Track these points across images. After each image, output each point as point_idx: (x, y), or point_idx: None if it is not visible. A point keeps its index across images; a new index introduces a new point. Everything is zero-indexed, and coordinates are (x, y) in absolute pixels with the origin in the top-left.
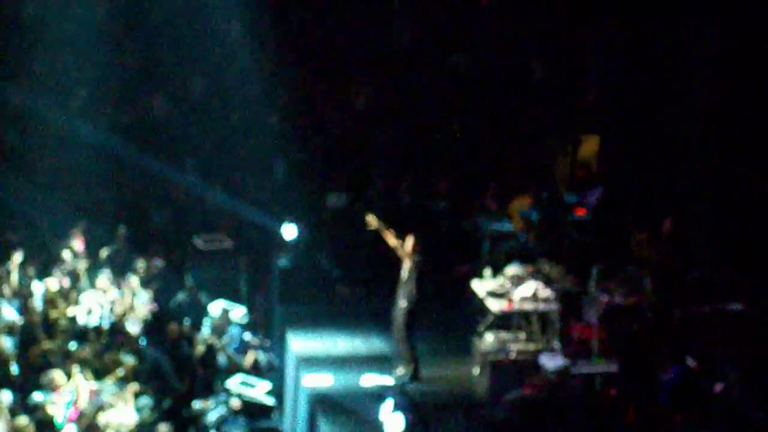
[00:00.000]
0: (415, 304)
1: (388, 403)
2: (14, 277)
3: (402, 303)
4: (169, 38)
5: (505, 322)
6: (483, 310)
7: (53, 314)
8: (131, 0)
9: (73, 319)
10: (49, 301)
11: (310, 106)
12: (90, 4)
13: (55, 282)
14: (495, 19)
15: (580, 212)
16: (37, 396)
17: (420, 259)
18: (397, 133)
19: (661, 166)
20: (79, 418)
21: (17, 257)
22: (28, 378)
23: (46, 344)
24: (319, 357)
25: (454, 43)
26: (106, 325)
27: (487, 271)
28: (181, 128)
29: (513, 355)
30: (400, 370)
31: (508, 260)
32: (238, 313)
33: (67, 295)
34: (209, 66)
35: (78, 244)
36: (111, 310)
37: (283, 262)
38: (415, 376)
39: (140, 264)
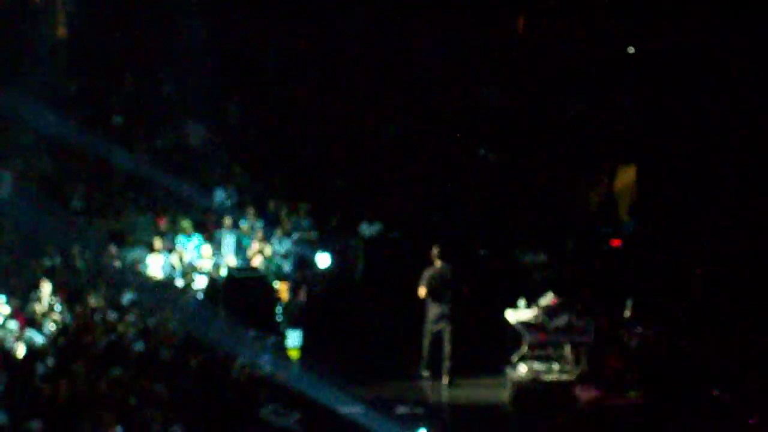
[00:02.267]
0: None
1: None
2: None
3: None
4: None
5: (539, 352)
6: (517, 339)
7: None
8: None
9: (108, 344)
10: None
11: (348, 139)
12: None
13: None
14: (529, 50)
15: (615, 243)
16: None
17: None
18: (429, 167)
19: (698, 197)
20: None
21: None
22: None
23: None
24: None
25: (486, 76)
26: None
27: (522, 302)
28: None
29: (545, 385)
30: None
31: (542, 291)
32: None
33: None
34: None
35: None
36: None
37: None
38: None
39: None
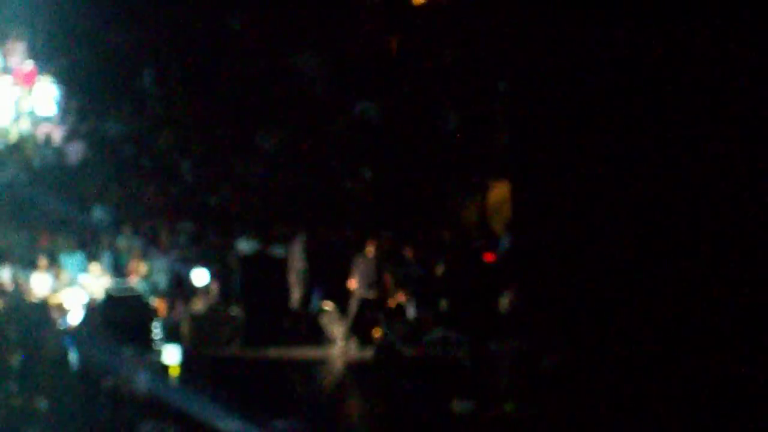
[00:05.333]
0: None
1: None
2: None
3: None
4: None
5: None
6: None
7: None
8: None
9: None
10: None
11: (223, 154)
12: None
13: None
14: (405, 67)
15: (489, 258)
16: None
17: None
18: (306, 180)
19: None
20: None
21: None
22: None
23: None
24: None
25: (363, 90)
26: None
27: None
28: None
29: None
30: None
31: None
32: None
33: None
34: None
35: None
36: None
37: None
38: None
39: None
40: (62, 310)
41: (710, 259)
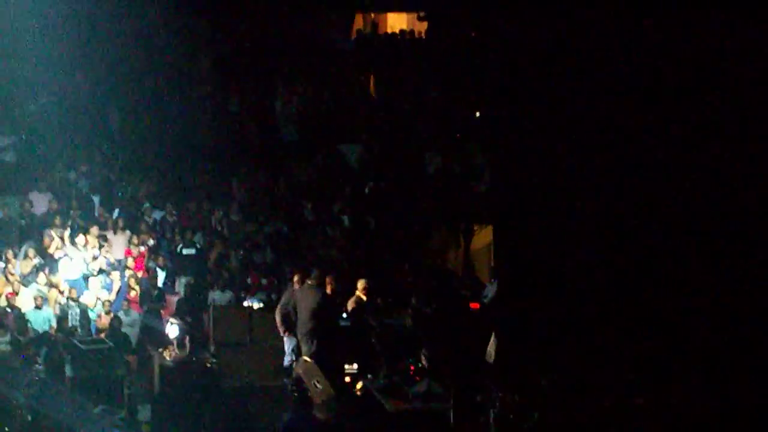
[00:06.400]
0: None
1: None
2: None
3: None
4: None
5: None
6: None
7: None
8: None
9: None
10: None
11: (197, 201)
12: None
13: None
14: (386, 110)
15: (474, 306)
16: None
17: None
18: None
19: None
20: None
21: None
22: None
23: None
24: None
25: (342, 133)
26: None
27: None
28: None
29: None
30: None
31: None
32: None
33: None
34: None
35: None
36: None
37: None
38: None
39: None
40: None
41: (693, 302)
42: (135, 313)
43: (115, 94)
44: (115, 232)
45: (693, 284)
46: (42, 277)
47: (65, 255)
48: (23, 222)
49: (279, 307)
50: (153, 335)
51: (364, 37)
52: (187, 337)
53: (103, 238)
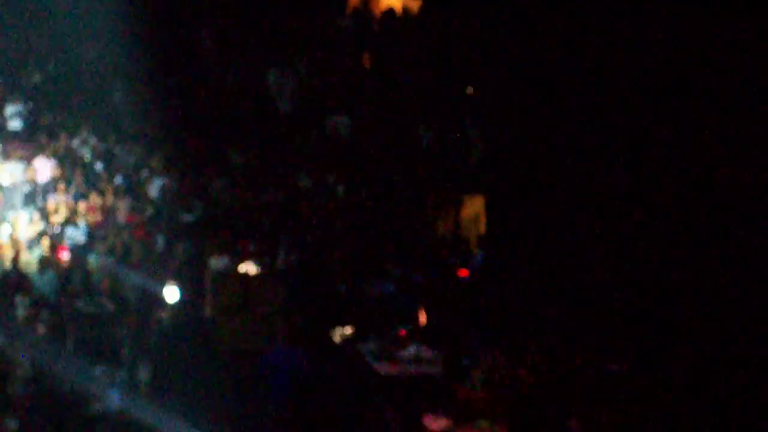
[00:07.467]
0: None
1: None
2: None
3: None
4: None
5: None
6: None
7: None
8: None
9: None
10: None
11: (195, 170)
12: None
13: None
14: (377, 81)
15: (463, 273)
16: None
17: None
18: (278, 196)
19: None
20: None
21: None
22: None
23: None
24: None
25: (333, 105)
26: None
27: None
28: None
29: None
30: None
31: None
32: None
33: None
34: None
35: None
36: None
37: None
38: None
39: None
40: None
41: (679, 274)
42: (136, 277)
43: (119, 66)
44: (116, 198)
45: (680, 256)
46: (46, 241)
47: (69, 220)
48: (28, 188)
49: None
50: (153, 299)
51: (359, 13)
52: (185, 301)
53: (104, 205)
